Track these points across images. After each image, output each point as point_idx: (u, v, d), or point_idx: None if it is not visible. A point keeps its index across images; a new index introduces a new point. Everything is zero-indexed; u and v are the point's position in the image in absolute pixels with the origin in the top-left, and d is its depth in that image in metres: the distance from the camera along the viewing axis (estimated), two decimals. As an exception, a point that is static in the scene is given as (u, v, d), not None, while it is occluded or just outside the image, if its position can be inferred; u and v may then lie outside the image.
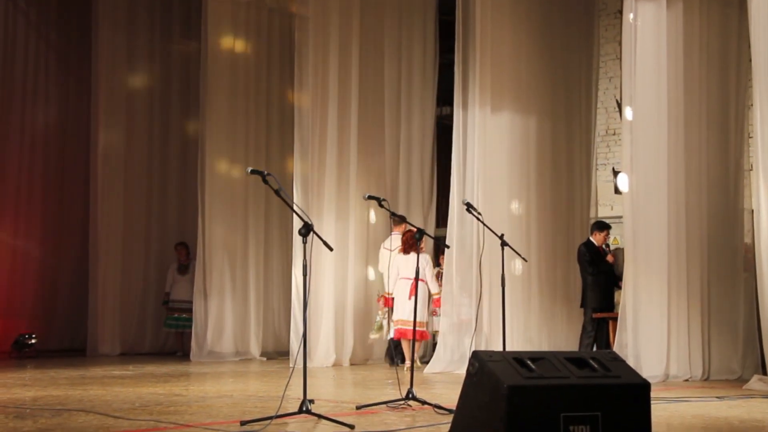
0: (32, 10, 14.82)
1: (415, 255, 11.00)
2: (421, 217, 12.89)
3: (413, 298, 10.76)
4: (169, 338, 14.61)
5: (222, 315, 13.13)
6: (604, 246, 11.21)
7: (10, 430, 5.27)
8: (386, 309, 11.49)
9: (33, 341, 13.27)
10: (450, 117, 11.95)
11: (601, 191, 13.31)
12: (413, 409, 6.48)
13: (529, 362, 4.14)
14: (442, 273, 11.47)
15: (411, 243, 11.02)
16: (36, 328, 13.76)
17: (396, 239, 11.46)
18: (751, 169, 10.21)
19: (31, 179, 14.54)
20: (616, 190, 12.63)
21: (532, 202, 11.45)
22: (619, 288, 10.79)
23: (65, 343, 14.65)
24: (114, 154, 14.45)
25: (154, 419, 5.81)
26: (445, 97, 13.62)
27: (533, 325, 11.20)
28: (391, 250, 11.40)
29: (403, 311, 10.97)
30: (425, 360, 11.52)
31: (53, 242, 14.80)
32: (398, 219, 10.70)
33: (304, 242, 5.76)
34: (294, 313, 11.47)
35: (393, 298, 11.32)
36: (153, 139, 15.07)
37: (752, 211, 9.40)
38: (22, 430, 5.28)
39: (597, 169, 13.21)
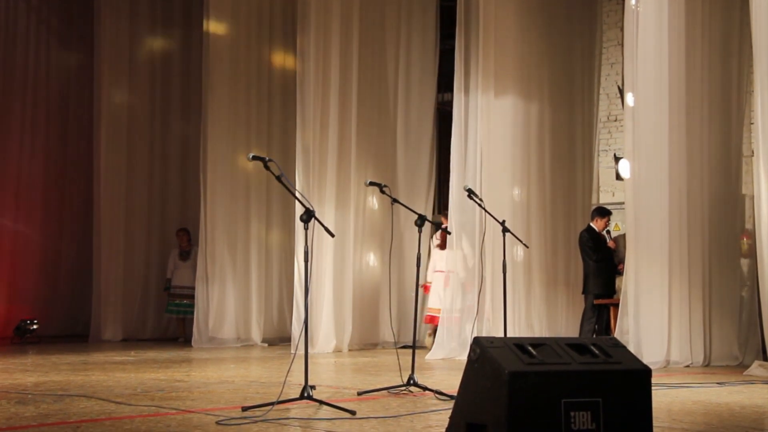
0: (33, -5, 14.80)
1: (449, 251, 11.36)
2: (421, 203, 12.89)
3: (446, 289, 11.29)
4: (170, 324, 14.63)
5: (223, 301, 13.13)
6: (604, 232, 11.22)
7: (12, 416, 5.28)
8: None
9: (35, 327, 13.27)
10: (449, 103, 11.92)
11: (603, 177, 13.29)
12: (414, 395, 6.49)
13: (530, 348, 4.13)
14: None
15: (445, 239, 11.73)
16: (38, 314, 13.76)
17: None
18: (751, 155, 10.19)
19: (32, 164, 14.51)
20: (618, 177, 12.61)
21: (533, 188, 11.45)
22: (620, 274, 10.81)
23: (67, 329, 14.66)
24: (116, 140, 14.43)
25: (156, 405, 5.82)
26: (444, 84, 13.59)
27: (534, 312, 11.23)
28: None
29: (436, 300, 11.78)
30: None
31: (55, 228, 14.82)
32: None
33: (306, 228, 5.77)
34: (296, 299, 11.50)
35: (430, 286, 12.14)
36: (155, 124, 15.07)
37: (753, 196, 9.39)
38: (24, 416, 5.29)
39: (598, 155, 13.20)
